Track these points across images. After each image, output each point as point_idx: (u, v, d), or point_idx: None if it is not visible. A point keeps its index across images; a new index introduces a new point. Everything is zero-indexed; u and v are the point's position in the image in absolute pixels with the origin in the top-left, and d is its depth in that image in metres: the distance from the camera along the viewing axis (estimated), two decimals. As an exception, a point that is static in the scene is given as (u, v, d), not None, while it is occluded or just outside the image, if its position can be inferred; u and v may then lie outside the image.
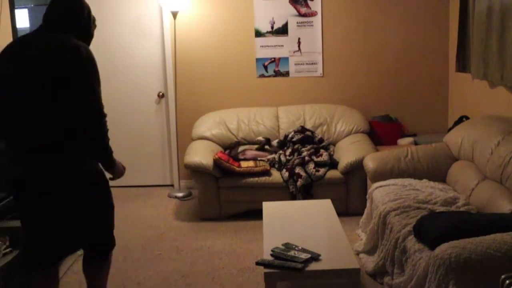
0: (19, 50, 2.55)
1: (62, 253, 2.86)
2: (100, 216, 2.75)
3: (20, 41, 2.65)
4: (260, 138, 5.00)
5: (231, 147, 4.84)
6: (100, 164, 2.68)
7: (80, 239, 2.74)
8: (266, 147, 4.94)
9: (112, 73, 5.23)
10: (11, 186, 2.61)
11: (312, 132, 4.99)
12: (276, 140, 4.98)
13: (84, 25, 2.66)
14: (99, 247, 2.82)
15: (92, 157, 2.63)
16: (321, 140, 4.94)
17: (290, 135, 4.96)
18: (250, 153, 4.79)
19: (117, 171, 2.74)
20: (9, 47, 2.60)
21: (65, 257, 2.95)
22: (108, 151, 2.65)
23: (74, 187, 2.57)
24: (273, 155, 4.81)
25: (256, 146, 4.97)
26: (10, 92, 2.51)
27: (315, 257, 2.78)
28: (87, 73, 2.49)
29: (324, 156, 4.59)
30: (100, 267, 2.88)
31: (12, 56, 2.54)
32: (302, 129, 4.99)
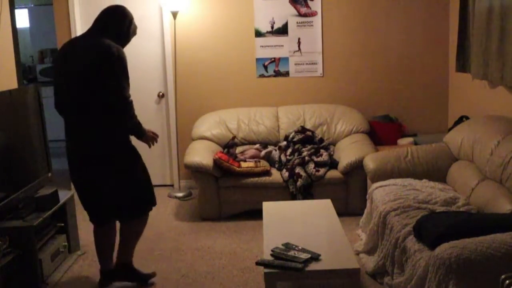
0: (68, 50, 3.22)
1: (109, 214, 3.35)
2: (133, 184, 3.28)
3: (70, 42, 3.30)
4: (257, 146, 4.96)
5: (228, 146, 4.84)
6: (130, 142, 3.28)
7: (117, 204, 3.27)
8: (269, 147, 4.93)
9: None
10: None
11: (313, 132, 4.99)
12: (279, 145, 4.93)
13: (123, 32, 3.24)
14: (127, 212, 3.31)
15: (124, 133, 3.23)
16: (321, 140, 4.94)
17: (290, 136, 4.96)
18: (250, 152, 4.77)
19: (148, 139, 3.34)
20: (62, 47, 3.29)
21: (114, 217, 3.38)
22: (135, 128, 3.25)
23: (109, 160, 3.17)
24: (271, 149, 4.80)
25: (256, 146, 4.95)
26: (62, 82, 3.20)
27: (315, 257, 2.78)
28: (116, 68, 3.08)
29: (324, 156, 4.59)
30: (128, 228, 3.37)
31: (62, 54, 3.24)
32: (303, 129, 4.99)
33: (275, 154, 4.81)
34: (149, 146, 3.40)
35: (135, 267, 3.44)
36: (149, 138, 3.35)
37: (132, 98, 3.16)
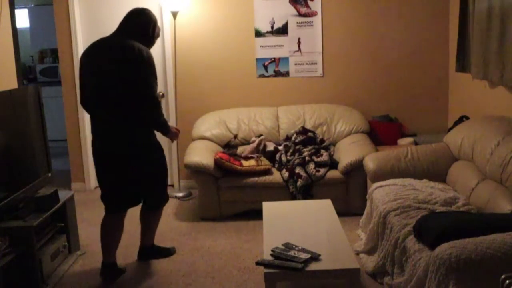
0: (96, 49, 3.36)
1: (129, 202, 3.56)
2: (155, 177, 3.55)
3: (97, 43, 3.40)
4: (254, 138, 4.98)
5: (230, 146, 4.83)
6: (155, 137, 3.50)
7: (139, 195, 3.55)
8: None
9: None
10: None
11: (314, 133, 4.98)
12: (283, 145, 4.94)
13: (148, 34, 3.41)
14: (153, 201, 3.64)
15: (150, 130, 3.44)
16: (322, 141, 4.94)
17: (292, 137, 4.95)
18: (248, 149, 4.76)
19: (172, 136, 3.59)
20: (89, 47, 3.40)
21: (128, 207, 3.56)
22: (161, 125, 3.45)
23: (134, 156, 3.37)
24: (263, 136, 4.83)
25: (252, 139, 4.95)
26: (89, 81, 3.34)
27: (315, 257, 2.78)
28: (145, 69, 3.25)
29: (324, 156, 4.59)
30: (154, 215, 3.72)
31: (91, 54, 3.36)
32: (304, 130, 4.98)
33: (270, 144, 4.83)
34: (172, 141, 3.83)
35: (157, 245, 3.85)
36: (173, 135, 3.59)
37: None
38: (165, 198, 3.72)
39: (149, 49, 3.39)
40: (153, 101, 3.31)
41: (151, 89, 3.27)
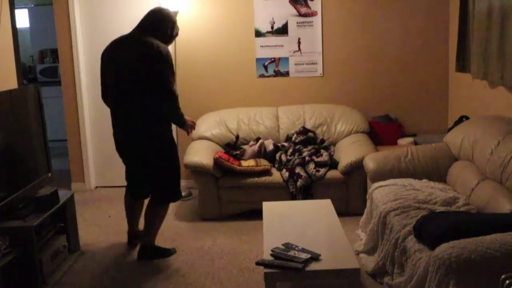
0: (117, 46, 3.58)
1: (142, 191, 3.85)
2: (166, 171, 3.68)
3: (118, 40, 3.62)
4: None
5: (232, 146, 4.83)
6: (171, 132, 3.70)
7: (150, 185, 3.73)
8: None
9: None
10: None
11: (314, 133, 4.98)
12: (283, 144, 4.93)
13: (167, 33, 3.61)
14: (159, 195, 3.75)
15: (168, 123, 3.64)
16: (322, 141, 4.94)
17: (293, 137, 4.94)
18: (251, 152, 4.76)
19: (188, 128, 3.77)
20: (110, 44, 3.62)
21: (145, 195, 3.86)
22: (180, 118, 3.64)
23: (149, 148, 3.57)
24: (262, 140, 4.83)
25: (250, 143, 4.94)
26: (110, 76, 3.58)
27: (315, 257, 2.78)
28: (163, 64, 3.44)
29: (324, 156, 4.59)
30: (156, 210, 3.78)
31: (111, 51, 3.59)
32: (304, 130, 4.98)
33: (269, 143, 4.83)
34: (188, 134, 3.92)
35: (157, 245, 3.89)
36: (189, 127, 3.78)
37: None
38: (172, 195, 3.80)
39: (168, 45, 3.62)
40: (171, 95, 3.48)
41: (168, 84, 3.45)
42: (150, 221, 3.79)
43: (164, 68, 3.45)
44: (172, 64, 3.52)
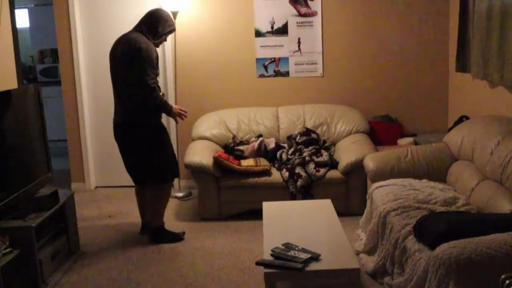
0: (114, 45, 3.97)
1: (141, 176, 4.08)
2: (156, 152, 3.94)
3: (121, 36, 3.97)
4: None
5: (228, 147, 4.83)
6: (159, 118, 4.00)
7: (142, 169, 3.99)
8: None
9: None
10: None
11: (317, 134, 4.98)
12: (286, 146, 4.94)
13: (157, 30, 3.94)
14: (155, 175, 3.98)
15: (151, 111, 3.89)
16: (324, 142, 4.93)
17: (297, 139, 4.92)
18: (251, 149, 4.76)
19: (175, 115, 3.97)
20: (116, 40, 3.99)
21: (145, 180, 4.05)
22: (159, 106, 3.88)
23: (139, 134, 3.90)
24: (262, 138, 4.83)
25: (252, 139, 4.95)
26: (111, 68, 3.99)
27: (315, 257, 2.78)
28: (140, 58, 3.75)
29: (325, 156, 4.59)
30: (156, 192, 4.02)
31: (114, 46, 3.98)
32: (307, 131, 4.97)
33: (271, 141, 4.83)
34: (176, 122, 4.16)
35: (167, 229, 4.14)
36: (176, 114, 3.97)
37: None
38: (165, 174, 4.00)
39: (160, 43, 4.01)
40: (143, 85, 3.75)
41: (143, 75, 3.74)
42: (153, 205, 4.06)
43: (141, 61, 3.75)
44: (150, 58, 3.79)
